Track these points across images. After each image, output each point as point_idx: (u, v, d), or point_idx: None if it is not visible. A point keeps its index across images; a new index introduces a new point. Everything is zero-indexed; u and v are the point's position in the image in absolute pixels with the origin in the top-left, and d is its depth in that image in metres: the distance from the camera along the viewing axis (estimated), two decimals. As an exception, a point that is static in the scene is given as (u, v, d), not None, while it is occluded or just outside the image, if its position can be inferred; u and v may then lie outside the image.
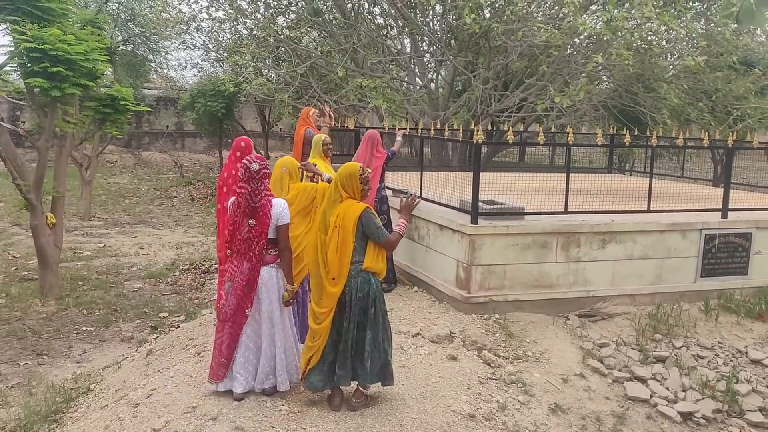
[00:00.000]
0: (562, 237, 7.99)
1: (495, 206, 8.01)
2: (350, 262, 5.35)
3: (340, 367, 5.45)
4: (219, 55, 20.24)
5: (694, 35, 13.79)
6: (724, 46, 14.44)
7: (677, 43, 14.16)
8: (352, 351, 5.44)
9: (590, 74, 13.45)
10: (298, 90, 17.25)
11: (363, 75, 15.61)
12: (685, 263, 8.62)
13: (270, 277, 5.50)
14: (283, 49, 16.94)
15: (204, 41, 20.43)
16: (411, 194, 5.66)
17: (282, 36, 16.12)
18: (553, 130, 13.67)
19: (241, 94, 17.80)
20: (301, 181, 6.77)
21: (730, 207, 8.94)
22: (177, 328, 8.54)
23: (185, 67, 30.61)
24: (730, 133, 11.68)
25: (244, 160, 5.42)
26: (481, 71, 15.64)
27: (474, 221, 7.69)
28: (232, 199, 5.54)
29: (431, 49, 18.07)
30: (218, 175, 22.24)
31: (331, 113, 9.05)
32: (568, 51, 15.09)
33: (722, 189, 9.12)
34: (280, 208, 5.45)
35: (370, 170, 7.72)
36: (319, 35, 17.88)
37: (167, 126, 28.13)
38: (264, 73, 17.29)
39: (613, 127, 13.50)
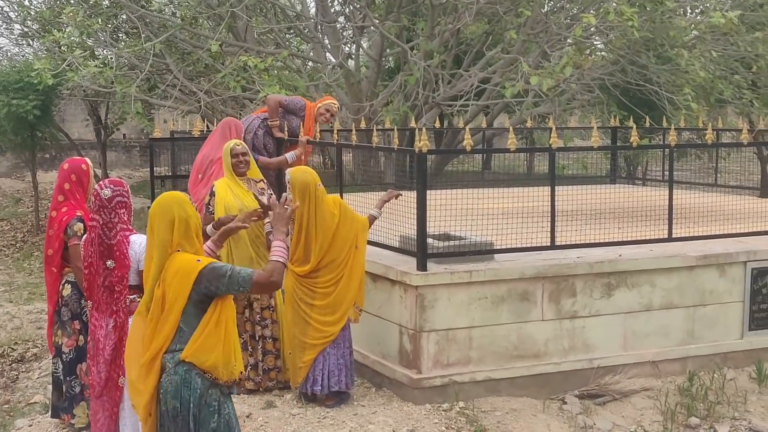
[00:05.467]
0: (549, 283, 8.18)
1: (452, 243, 8.14)
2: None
3: None
4: (27, 29, 19.95)
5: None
6: (765, -7, 15.12)
7: (699, -8, 14.78)
8: None
9: (579, 42, 13.87)
10: (150, 77, 17.15)
11: (247, 51, 15.68)
12: (727, 312, 8.92)
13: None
14: (124, 16, 16.86)
15: (2, 8, 20.17)
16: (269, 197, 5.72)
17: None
18: (529, 123, 13.98)
19: (64, 86, 17.55)
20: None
21: (784, 227, 9.33)
22: (-23, 451, 8.34)
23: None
24: (779, 120, 12.17)
25: (97, 185, 6.19)
26: (422, 41, 15.92)
27: (422, 266, 7.80)
28: (86, 235, 6.29)
29: (347, 10, 18.28)
30: (32, 209, 21.90)
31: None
32: (546, 8, 15.53)
33: (772, 202, 9.49)
34: (141, 247, 6.02)
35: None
36: (178, -6, 17.88)
37: (-52, 137, 27.51)
38: (98, 54, 17.13)
39: (616, 117, 13.91)
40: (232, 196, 7.95)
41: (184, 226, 5.08)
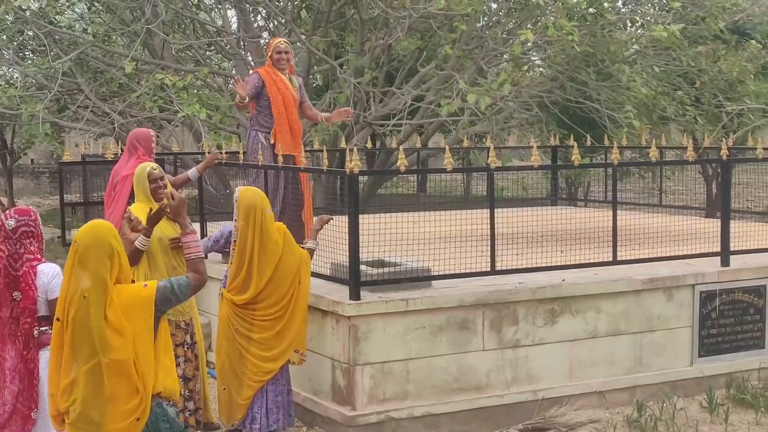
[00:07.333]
0: (490, 311, 8.16)
1: (386, 270, 8.09)
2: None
3: None
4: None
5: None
6: (705, 7, 15.37)
7: (640, 5, 14.98)
8: None
9: (517, 58, 13.96)
10: (60, 97, 16.92)
11: (165, 69, 15.54)
12: (675, 338, 8.98)
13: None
14: (32, 32, 16.62)
15: None
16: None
17: (29, 12, 15.84)
18: (465, 143, 14.04)
19: (-36, 107, 17.25)
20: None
21: (732, 249, 9.40)
22: None
23: None
24: (725, 137, 12.39)
25: (3, 215, 6.40)
26: (352, 57, 15.92)
27: (355, 295, 7.74)
28: None
29: (271, 25, 18.23)
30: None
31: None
32: (482, 23, 15.65)
33: (720, 222, 9.57)
34: (48, 276, 6.24)
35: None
36: (89, 9, 17.71)
37: None
38: (2, 73, 16.89)
39: (556, 136, 14.03)
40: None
41: (121, 258, 5.00)
